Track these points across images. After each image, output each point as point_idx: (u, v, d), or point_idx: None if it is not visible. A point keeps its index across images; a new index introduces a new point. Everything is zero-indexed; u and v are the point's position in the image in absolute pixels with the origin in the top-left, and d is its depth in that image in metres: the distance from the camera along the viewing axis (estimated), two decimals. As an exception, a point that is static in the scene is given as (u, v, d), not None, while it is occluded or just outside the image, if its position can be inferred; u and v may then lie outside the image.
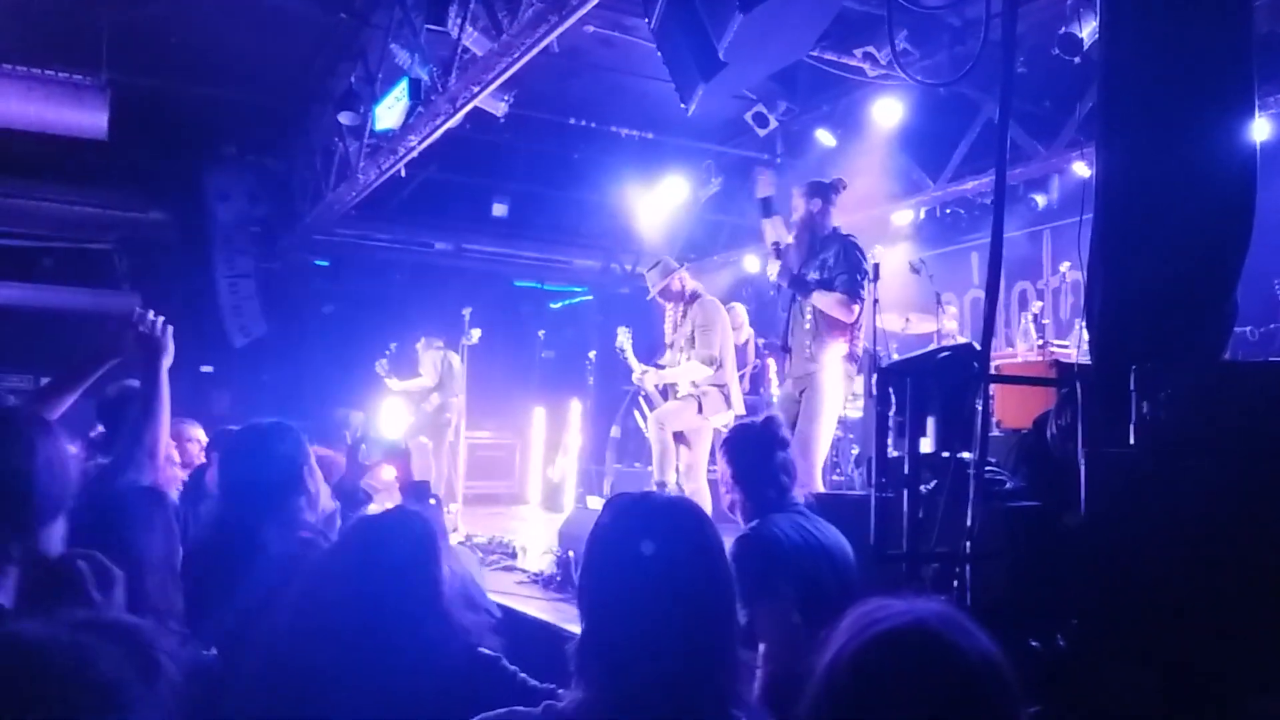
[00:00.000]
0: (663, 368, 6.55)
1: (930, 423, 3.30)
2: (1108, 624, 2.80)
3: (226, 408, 11.84)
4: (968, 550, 2.91)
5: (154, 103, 9.50)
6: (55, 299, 10.88)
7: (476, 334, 9.14)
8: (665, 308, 6.57)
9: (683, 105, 3.97)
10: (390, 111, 7.50)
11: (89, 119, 8.36)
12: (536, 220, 12.18)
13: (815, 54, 7.38)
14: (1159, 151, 3.19)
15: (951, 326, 7.88)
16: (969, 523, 2.88)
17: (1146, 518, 2.75)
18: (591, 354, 11.14)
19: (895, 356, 8.09)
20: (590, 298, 14.15)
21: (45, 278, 11.01)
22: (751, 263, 11.16)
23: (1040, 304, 7.71)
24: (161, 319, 2.88)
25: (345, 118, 8.06)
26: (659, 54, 3.96)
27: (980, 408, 3.04)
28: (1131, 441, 2.81)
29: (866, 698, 1.14)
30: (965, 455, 3.14)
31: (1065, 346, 6.22)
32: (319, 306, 12.37)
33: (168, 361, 2.85)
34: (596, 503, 8.53)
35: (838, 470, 7.84)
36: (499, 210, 11.49)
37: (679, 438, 6.30)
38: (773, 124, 8.85)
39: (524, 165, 11.16)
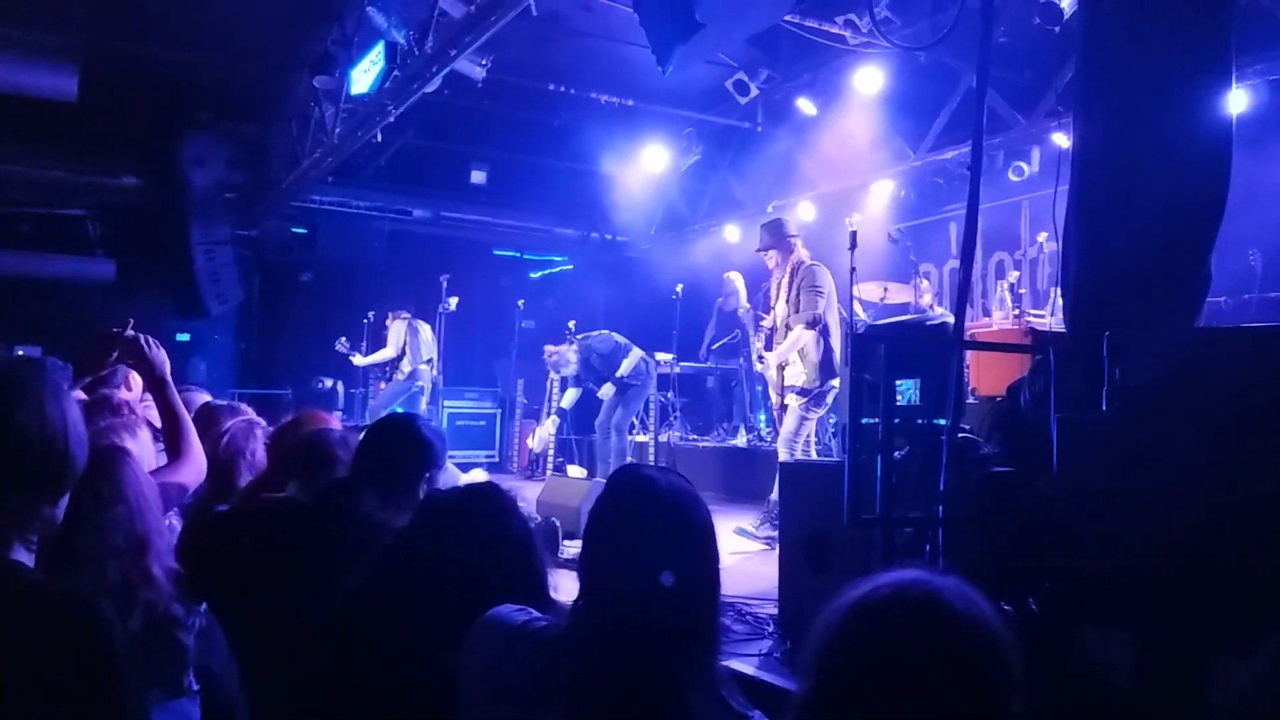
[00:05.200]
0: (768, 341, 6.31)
1: (905, 388, 3.33)
2: (1079, 587, 2.84)
3: (203, 376, 11.78)
4: (940, 514, 2.94)
5: (126, 66, 9.33)
6: (29, 266, 10.73)
7: (454, 301, 9.11)
8: (770, 268, 6.33)
9: (660, 68, 3.93)
10: (366, 75, 7.41)
11: (58, 81, 8.22)
12: (516, 188, 12.10)
13: (796, 21, 7.34)
14: (1136, 123, 3.20)
15: (927, 300, 7.91)
16: (942, 487, 2.91)
17: (1117, 482, 2.78)
18: (571, 323, 11.10)
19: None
20: (570, 267, 14.10)
21: (22, 244, 10.85)
22: (732, 232, 11.14)
23: (1016, 273, 7.76)
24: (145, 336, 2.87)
25: (320, 82, 7.94)
26: (636, 15, 3.92)
27: (955, 374, 3.06)
28: (1104, 407, 2.84)
29: (858, 657, 1.17)
30: (940, 421, 3.16)
31: (1041, 315, 6.26)
32: (296, 274, 12.27)
33: (167, 369, 2.84)
34: (576, 471, 8.56)
35: (817, 440, 7.89)
36: (478, 177, 11.41)
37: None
38: (753, 92, 8.82)
39: (503, 132, 11.08)
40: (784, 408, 6.02)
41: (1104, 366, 2.83)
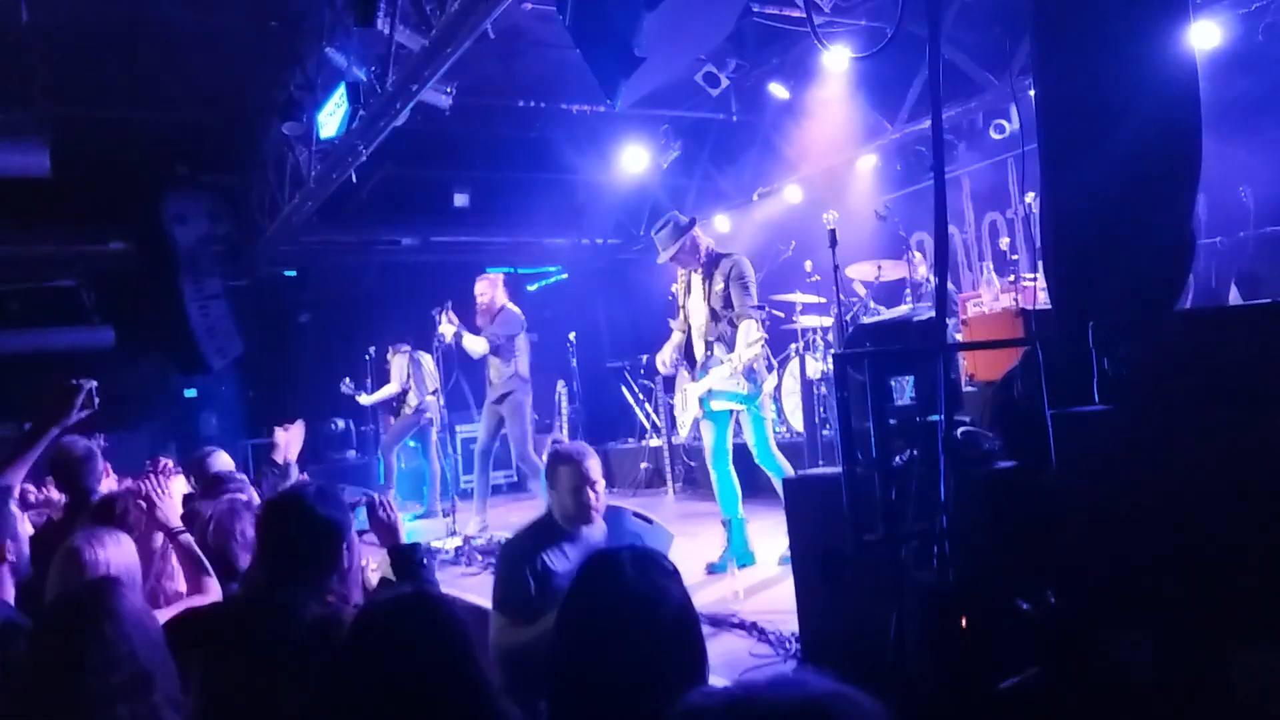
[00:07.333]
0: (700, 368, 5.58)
1: (898, 390, 3.26)
2: (1092, 586, 2.78)
3: (214, 429, 11.81)
4: (944, 525, 2.87)
5: (98, 133, 9.35)
6: (26, 342, 10.75)
7: (450, 331, 9.05)
8: (679, 272, 5.78)
9: (609, 101, 3.87)
10: (332, 118, 7.35)
11: (30, 158, 8.24)
12: (501, 205, 12.03)
13: (757, 9, 7.26)
14: (1096, 63, 3.07)
15: (923, 273, 7.80)
16: (942, 498, 2.84)
17: (1118, 475, 2.71)
18: (571, 335, 11.05)
19: (873, 308, 8.05)
20: (565, 276, 14.05)
21: (13, 321, 10.87)
22: (721, 223, 11.05)
23: (1007, 240, 7.64)
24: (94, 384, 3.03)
25: (289, 128, 7.92)
26: (579, 51, 3.86)
27: (943, 379, 2.98)
28: (1096, 399, 2.77)
29: None
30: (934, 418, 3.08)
31: (1033, 279, 6.16)
32: (294, 317, 12.27)
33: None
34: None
35: (827, 425, 7.82)
36: (460, 200, 11.35)
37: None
38: (724, 83, 8.72)
39: (481, 152, 11.02)
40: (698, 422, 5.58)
41: (1092, 356, 2.75)
